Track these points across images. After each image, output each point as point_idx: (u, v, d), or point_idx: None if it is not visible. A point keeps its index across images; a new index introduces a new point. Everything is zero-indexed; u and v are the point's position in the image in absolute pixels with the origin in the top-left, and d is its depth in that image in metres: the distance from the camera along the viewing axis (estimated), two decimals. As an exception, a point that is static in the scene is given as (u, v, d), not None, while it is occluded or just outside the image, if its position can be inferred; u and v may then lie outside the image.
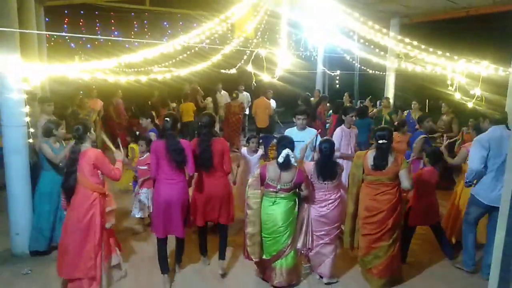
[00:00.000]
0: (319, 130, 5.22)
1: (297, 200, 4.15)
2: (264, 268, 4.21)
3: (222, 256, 4.40)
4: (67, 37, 11.99)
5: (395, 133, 5.81)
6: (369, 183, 4.08)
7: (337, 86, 13.10)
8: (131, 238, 5.23)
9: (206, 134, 4.22)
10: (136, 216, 5.35)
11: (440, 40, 7.71)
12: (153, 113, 6.39)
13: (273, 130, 10.76)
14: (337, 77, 12.81)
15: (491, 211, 4.30)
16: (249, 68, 6.69)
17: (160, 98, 10.15)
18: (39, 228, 4.59)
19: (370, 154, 4.08)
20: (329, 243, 4.14)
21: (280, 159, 3.86)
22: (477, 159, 4.26)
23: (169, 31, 13.03)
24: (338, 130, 5.69)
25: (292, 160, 3.88)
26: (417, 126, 6.39)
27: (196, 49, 7.90)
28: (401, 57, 6.25)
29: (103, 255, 3.90)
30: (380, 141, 3.97)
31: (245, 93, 11.63)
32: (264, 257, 4.08)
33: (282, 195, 3.96)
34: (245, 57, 8.07)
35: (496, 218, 3.16)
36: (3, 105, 4.40)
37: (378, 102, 10.36)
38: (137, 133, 6.47)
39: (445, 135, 7.54)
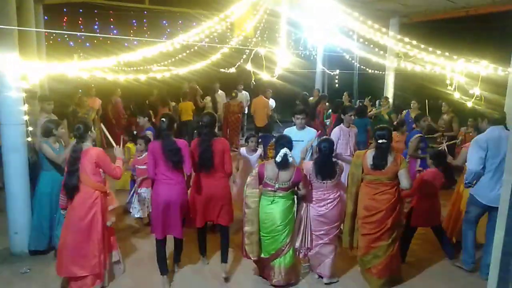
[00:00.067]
0: (319, 132, 5.21)
1: (295, 199, 4.15)
2: (263, 267, 4.21)
3: (224, 259, 4.31)
4: (66, 36, 11.96)
5: (394, 133, 5.81)
6: (368, 182, 4.08)
7: (337, 85, 13.10)
8: (130, 237, 5.23)
9: (207, 134, 4.18)
10: (136, 216, 5.35)
11: (439, 39, 7.71)
12: (151, 112, 6.38)
13: (272, 129, 10.75)
14: (337, 76, 12.81)
15: (490, 211, 4.31)
16: (249, 66, 6.69)
17: (159, 97, 10.13)
18: (39, 228, 4.58)
19: (370, 153, 4.08)
20: (329, 243, 4.14)
21: (278, 158, 3.87)
22: (475, 160, 4.28)
23: (168, 30, 13.01)
24: (336, 129, 5.70)
25: (290, 159, 3.89)
26: (414, 125, 6.40)
27: (196, 48, 7.89)
28: (401, 56, 6.24)
29: (106, 252, 4.00)
30: (380, 141, 3.97)
31: (244, 92, 11.62)
32: (262, 255, 4.08)
33: (281, 194, 3.96)
34: (244, 56, 8.07)
35: (495, 218, 3.16)
36: (1, 103, 4.38)
37: (377, 102, 10.36)
38: (135, 132, 6.45)
39: (445, 134, 7.58)
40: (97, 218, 3.86)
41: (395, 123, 7.28)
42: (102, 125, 4.95)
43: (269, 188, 3.98)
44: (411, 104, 8.48)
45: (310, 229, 4.13)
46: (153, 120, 6.21)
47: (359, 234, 4.16)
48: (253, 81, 7.24)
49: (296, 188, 4.06)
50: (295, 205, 4.16)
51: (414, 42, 5.31)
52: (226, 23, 5.60)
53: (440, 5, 8.26)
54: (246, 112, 11.62)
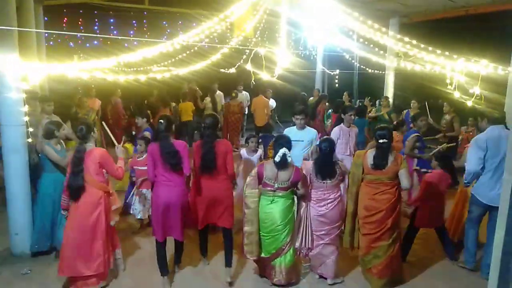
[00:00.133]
0: (320, 134, 5.23)
1: (295, 198, 4.16)
2: (263, 267, 4.22)
3: (228, 264, 4.25)
4: (66, 37, 11.97)
5: (394, 133, 5.81)
6: (368, 182, 4.08)
7: (337, 85, 13.10)
8: (130, 237, 5.23)
9: (210, 135, 4.15)
10: (137, 217, 5.35)
11: (439, 39, 7.71)
12: (149, 113, 6.38)
13: (272, 130, 10.76)
14: (337, 76, 12.81)
15: (491, 210, 4.31)
16: (248, 67, 6.69)
17: (159, 98, 10.13)
18: (41, 229, 4.58)
19: (370, 153, 4.08)
20: (330, 244, 4.13)
21: (277, 158, 3.87)
22: (474, 160, 4.29)
23: (168, 30, 13.01)
24: (336, 128, 5.71)
25: (289, 159, 3.89)
26: (411, 125, 6.40)
27: (196, 48, 7.88)
28: (400, 56, 6.24)
29: (110, 252, 4.08)
30: (381, 141, 3.97)
31: (244, 92, 11.61)
32: (263, 255, 4.08)
33: (280, 194, 3.97)
34: (244, 56, 8.07)
35: (495, 218, 3.17)
36: (2, 104, 4.39)
37: (377, 102, 10.36)
38: (133, 133, 6.45)
39: (447, 135, 7.54)
40: (101, 217, 3.92)
41: (395, 122, 7.27)
42: (104, 125, 4.97)
43: (269, 188, 3.98)
44: (411, 104, 8.48)
45: (310, 229, 4.12)
46: (151, 121, 6.21)
47: (360, 234, 4.16)
48: (253, 81, 7.24)
49: (295, 188, 4.06)
50: (295, 205, 4.16)
51: (414, 42, 5.31)
52: (226, 23, 5.60)
53: (439, 5, 8.25)
54: (246, 112, 11.62)
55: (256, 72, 7.00)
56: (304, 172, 4.14)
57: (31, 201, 4.68)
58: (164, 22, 13.17)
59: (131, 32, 12.67)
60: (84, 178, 3.85)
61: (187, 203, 4.13)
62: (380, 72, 10.60)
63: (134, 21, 12.85)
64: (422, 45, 5.24)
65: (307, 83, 13.36)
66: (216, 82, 11.17)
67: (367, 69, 11.16)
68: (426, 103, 8.25)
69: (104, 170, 4.01)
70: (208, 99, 10.69)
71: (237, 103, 10.25)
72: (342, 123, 5.77)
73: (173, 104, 9.93)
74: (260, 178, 4.00)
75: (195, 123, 10.13)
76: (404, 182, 3.94)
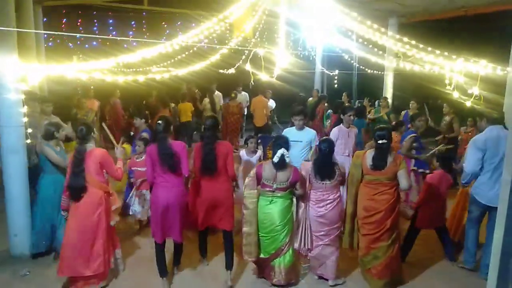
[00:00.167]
0: (319, 134, 5.24)
1: (293, 198, 4.16)
2: (263, 267, 4.21)
3: (229, 267, 4.19)
4: (65, 37, 11.97)
5: (393, 133, 5.82)
6: (367, 182, 4.08)
7: (336, 85, 13.11)
8: (129, 238, 5.22)
9: (210, 137, 4.12)
10: (136, 218, 5.34)
11: (438, 39, 7.73)
12: (147, 113, 6.37)
13: (272, 130, 10.76)
14: (336, 77, 12.81)
15: (490, 210, 4.32)
16: (247, 67, 6.69)
17: (159, 98, 10.12)
18: (41, 231, 4.57)
19: (369, 153, 4.08)
20: (329, 244, 4.12)
21: (275, 159, 3.88)
22: (473, 161, 4.31)
23: (167, 31, 13.02)
24: (335, 129, 5.73)
25: (287, 159, 3.90)
26: (409, 125, 6.41)
27: (195, 49, 7.88)
28: (399, 56, 6.24)
29: (110, 251, 4.11)
30: (380, 141, 3.96)
31: (243, 93, 11.61)
32: (262, 256, 4.08)
33: (279, 194, 3.97)
34: (243, 57, 8.07)
35: (494, 218, 3.16)
36: (1, 105, 4.38)
37: (376, 102, 10.37)
38: (132, 133, 6.45)
39: (446, 136, 7.50)
40: (102, 217, 3.96)
41: (393, 123, 7.27)
42: (105, 126, 4.97)
43: (267, 189, 3.99)
44: (410, 105, 8.47)
45: (310, 230, 4.12)
46: (150, 121, 6.20)
47: (360, 235, 4.16)
48: (252, 81, 7.24)
49: (294, 188, 4.07)
50: (294, 205, 4.16)
51: (413, 42, 5.31)
52: (225, 24, 5.60)
53: (438, 5, 8.26)
54: (245, 113, 11.62)
55: (255, 73, 7.00)
56: (303, 172, 4.13)
57: (30, 202, 4.67)
58: (163, 23, 13.17)
59: (130, 32, 12.68)
60: (85, 179, 3.87)
61: (186, 204, 4.12)
62: (379, 72, 10.61)
63: (133, 22, 12.86)
64: (421, 45, 5.25)
65: (306, 84, 13.36)
66: (214, 82, 11.15)
67: (366, 69, 11.16)
68: (426, 105, 8.25)
69: (104, 171, 4.03)
70: (206, 100, 10.68)
71: (236, 103, 10.25)
72: (341, 124, 5.77)
73: (173, 104, 9.92)
74: (258, 178, 4.00)
75: (194, 123, 10.13)
76: (403, 182, 3.94)
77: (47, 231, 4.58)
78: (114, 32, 12.35)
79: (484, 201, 4.31)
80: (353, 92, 12.31)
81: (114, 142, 4.36)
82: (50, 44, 11.59)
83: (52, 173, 4.51)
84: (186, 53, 8.40)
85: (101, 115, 9.55)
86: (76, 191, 3.88)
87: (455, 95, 5.02)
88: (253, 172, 4.05)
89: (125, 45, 10.59)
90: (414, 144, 5.83)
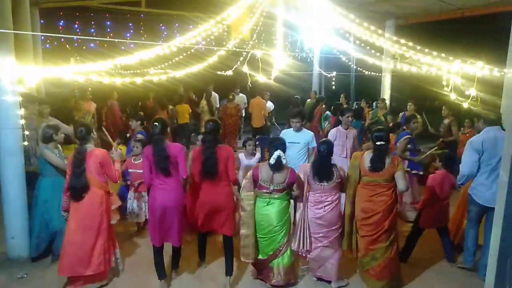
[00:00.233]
0: (318, 136, 5.26)
1: (290, 199, 4.17)
2: (261, 269, 4.21)
3: (229, 272, 4.15)
4: (62, 39, 11.95)
5: (390, 135, 5.83)
6: (365, 184, 4.08)
7: (333, 87, 13.13)
8: (127, 240, 5.21)
9: (211, 141, 4.06)
10: (134, 220, 5.33)
11: (435, 40, 7.73)
12: (143, 114, 6.37)
13: (270, 132, 10.77)
14: (333, 78, 12.83)
15: (487, 211, 4.33)
16: (245, 69, 6.70)
17: (156, 100, 10.12)
18: (40, 235, 4.54)
19: (367, 155, 4.09)
20: (328, 246, 4.11)
21: (272, 161, 3.88)
22: (469, 163, 4.33)
23: (165, 33, 13.01)
24: (333, 130, 5.75)
25: (284, 161, 3.90)
26: (404, 127, 6.41)
27: (192, 50, 7.89)
28: (397, 58, 6.27)
29: (111, 250, 4.16)
30: (378, 143, 3.97)
31: (241, 95, 11.62)
32: (260, 257, 4.08)
33: (276, 196, 3.98)
34: (241, 58, 8.08)
35: (492, 218, 3.17)
36: (-2, 107, 4.37)
37: (374, 104, 10.39)
38: (128, 135, 6.44)
39: (445, 140, 7.46)
40: (104, 217, 4.02)
41: (390, 125, 7.28)
42: (105, 130, 4.97)
43: (264, 190, 3.99)
44: (408, 106, 8.48)
45: (308, 231, 4.11)
46: (145, 123, 6.19)
47: (359, 236, 4.16)
48: (249, 83, 7.25)
49: (290, 189, 4.08)
50: (291, 206, 4.17)
51: (410, 44, 5.33)
52: (222, 25, 5.60)
53: (435, 7, 8.28)
54: (243, 115, 11.62)
55: (252, 75, 7.01)
56: (302, 174, 4.13)
57: (28, 205, 4.65)
58: (160, 25, 13.17)
59: (128, 34, 12.67)
60: (86, 178, 3.91)
61: (184, 207, 4.09)
62: (377, 74, 10.64)
63: (130, 24, 12.85)
64: (418, 47, 5.26)
65: (304, 85, 13.38)
66: (211, 84, 11.13)
67: (364, 71, 11.19)
68: (423, 113, 8.22)
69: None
70: (204, 102, 10.67)
71: (234, 105, 10.26)
72: (340, 125, 5.79)
73: (171, 106, 9.92)
74: (255, 180, 3.99)
75: (192, 125, 10.13)
76: (400, 184, 3.95)
77: (46, 234, 4.56)
78: (111, 34, 12.34)
79: (481, 202, 4.33)
80: (351, 93, 12.32)
81: (114, 144, 4.37)
82: (47, 46, 11.58)
83: (52, 176, 4.49)
84: (184, 54, 8.41)
85: (98, 117, 9.53)
86: (78, 191, 3.91)
87: (452, 96, 5.04)
88: (249, 174, 4.04)
89: (122, 47, 10.59)
90: (409, 146, 5.85)
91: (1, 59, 4.15)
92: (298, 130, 5.21)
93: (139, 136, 5.52)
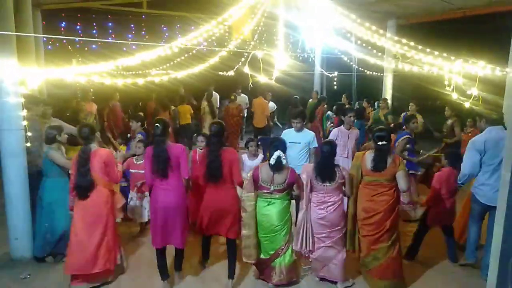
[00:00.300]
0: (320, 135, 5.27)
1: (291, 199, 4.18)
2: (262, 269, 4.21)
3: (231, 275, 4.13)
4: (64, 41, 11.99)
5: (391, 135, 5.83)
6: (367, 184, 4.08)
7: (335, 87, 13.12)
8: (130, 240, 5.22)
9: (216, 143, 4.03)
10: (138, 221, 5.35)
11: (437, 40, 7.72)
12: (143, 115, 6.38)
13: (271, 132, 10.78)
14: (335, 79, 12.83)
15: (490, 209, 4.33)
16: (246, 69, 6.71)
17: (158, 101, 10.13)
18: (45, 235, 4.52)
19: (369, 155, 4.08)
20: (331, 247, 4.10)
21: (272, 161, 3.89)
22: (470, 163, 4.33)
23: (166, 34, 13.03)
24: (335, 130, 5.75)
25: (284, 161, 3.91)
26: (404, 127, 6.40)
27: (194, 51, 7.90)
28: (398, 58, 6.27)
29: (117, 248, 4.22)
30: (380, 143, 3.96)
31: (243, 95, 11.62)
32: (262, 256, 4.09)
33: (277, 196, 3.99)
34: (242, 59, 8.09)
35: (494, 217, 3.17)
36: (0, 108, 4.38)
37: (376, 103, 10.38)
38: (129, 135, 6.47)
39: (448, 142, 7.40)
40: (110, 215, 4.08)
41: (392, 125, 7.26)
42: (109, 135, 4.99)
43: (265, 191, 4.00)
44: (409, 107, 8.46)
45: (311, 232, 4.10)
46: (145, 123, 6.21)
47: (360, 236, 4.16)
48: (250, 83, 7.26)
49: (291, 189, 4.10)
50: (291, 205, 4.18)
51: (412, 44, 5.33)
52: (224, 26, 5.61)
53: (437, 7, 8.28)
54: (245, 115, 11.63)
55: (253, 75, 7.02)
56: (304, 175, 4.12)
57: (31, 206, 4.65)
58: (162, 26, 13.19)
59: (130, 36, 12.70)
60: (93, 178, 3.97)
61: (186, 208, 4.08)
62: (378, 74, 10.63)
63: (132, 25, 12.88)
64: (420, 47, 5.26)
65: (306, 86, 13.38)
66: (212, 84, 11.13)
67: (365, 71, 11.18)
68: (423, 118, 8.16)
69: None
70: (205, 103, 10.67)
71: (236, 105, 10.26)
72: (342, 125, 5.79)
73: (173, 107, 9.93)
74: (255, 181, 4.00)
75: (194, 126, 10.13)
76: (402, 184, 3.95)
77: (52, 235, 4.53)
78: (113, 36, 12.37)
79: (484, 201, 4.34)
80: (352, 93, 12.33)
81: (117, 146, 4.39)
82: (49, 47, 11.61)
83: (56, 176, 4.50)
84: (186, 55, 8.42)
85: (100, 118, 9.55)
86: (84, 190, 3.96)
87: (454, 96, 5.03)
88: (249, 174, 4.05)
89: (124, 48, 10.61)
90: (407, 146, 5.85)
91: (3, 60, 4.17)
92: (299, 130, 5.22)
93: (139, 136, 5.55)
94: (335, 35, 7.51)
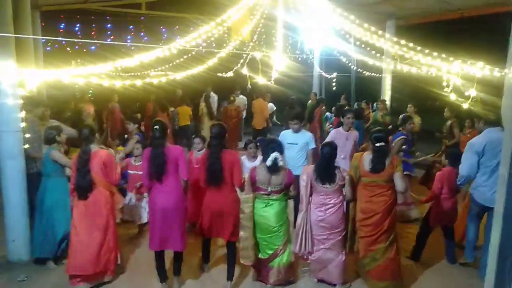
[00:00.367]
0: (317, 136, 5.27)
1: (288, 199, 4.18)
2: (260, 269, 4.21)
3: (230, 277, 4.10)
4: (63, 42, 11.99)
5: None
6: (364, 185, 4.07)
7: (334, 88, 13.14)
8: (129, 242, 5.21)
9: (216, 145, 3.99)
10: (138, 222, 5.34)
11: (435, 41, 7.74)
12: (139, 116, 6.39)
13: (270, 133, 10.77)
14: (334, 80, 12.84)
15: (488, 210, 4.34)
16: (244, 70, 6.71)
17: (156, 103, 10.12)
18: (46, 236, 4.45)
19: (366, 156, 4.08)
20: (331, 249, 4.08)
21: (269, 163, 3.89)
22: (468, 164, 4.34)
23: (165, 36, 13.04)
24: (332, 131, 5.76)
25: (280, 163, 3.91)
26: (400, 128, 6.40)
27: (193, 53, 7.90)
28: (396, 59, 6.27)
29: (117, 248, 4.25)
30: (378, 144, 3.95)
31: (241, 96, 11.62)
32: (261, 256, 4.10)
33: (274, 197, 3.99)
34: (241, 60, 8.09)
35: (492, 218, 3.17)
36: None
37: (375, 105, 10.39)
38: (126, 136, 6.48)
39: (448, 145, 7.39)
40: (110, 216, 4.11)
41: (390, 127, 7.25)
42: (111, 142, 4.99)
43: (262, 192, 3.99)
44: (408, 108, 8.46)
45: (310, 233, 4.10)
46: (142, 124, 6.23)
47: (358, 237, 4.16)
48: (249, 85, 7.27)
49: (288, 190, 4.10)
50: (288, 206, 4.18)
51: (410, 44, 5.33)
52: (223, 27, 5.61)
53: (435, 8, 8.30)
54: (244, 116, 11.62)
55: (252, 76, 7.02)
56: (304, 176, 4.11)
57: (29, 208, 4.64)
58: (161, 27, 13.19)
59: (129, 37, 12.69)
60: (93, 179, 3.99)
61: (185, 210, 4.06)
62: (377, 75, 10.64)
63: (131, 26, 12.88)
64: (419, 48, 5.27)
65: (305, 87, 13.40)
66: (210, 85, 11.11)
67: (364, 72, 11.19)
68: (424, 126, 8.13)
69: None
70: (203, 104, 10.67)
71: (235, 107, 10.26)
72: (341, 126, 5.78)
73: (172, 108, 9.92)
74: (253, 182, 4.00)
75: (193, 127, 10.14)
76: (399, 185, 3.94)
77: (53, 237, 4.46)
78: (112, 37, 12.37)
79: (481, 201, 4.34)
80: (351, 94, 12.33)
81: (114, 147, 4.39)
82: (48, 49, 11.60)
83: (57, 176, 4.47)
84: (185, 57, 8.41)
85: (98, 119, 9.53)
86: (84, 190, 3.99)
87: (452, 97, 5.04)
88: (247, 176, 4.04)
89: (123, 49, 10.60)
90: (403, 147, 5.85)
91: (2, 62, 4.16)
92: (296, 131, 5.22)
93: (136, 137, 5.57)
94: (333, 36, 7.52)
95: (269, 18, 6.79)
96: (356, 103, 11.70)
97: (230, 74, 9.55)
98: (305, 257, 4.21)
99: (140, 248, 5.07)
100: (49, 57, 9.78)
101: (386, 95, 10.23)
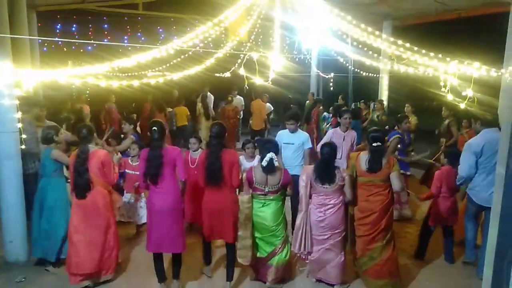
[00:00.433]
0: (315, 137, 5.29)
1: (285, 199, 4.21)
2: (258, 268, 4.22)
3: (230, 278, 4.11)
4: (60, 42, 11.94)
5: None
6: (361, 184, 4.09)
7: (331, 88, 13.15)
8: (127, 243, 5.19)
9: (216, 145, 3.98)
10: (138, 223, 5.34)
11: (432, 41, 7.75)
12: (134, 116, 6.38)
13: (268, 133, 10.78)
14: (331, 80, 12.86)
15: (484, 210, 4.36)
16: (241, 71, 6.70)
17: (154, 103, 10.11)
18: (47, 237, 4.43)
19: (363, 155, 4.09)
20: (330, 249, 4.09)
21: (264, 163, 3.90)
22: (467, 165, 4.36)
23: (162, 36, 13.02)
24: (329, 131, 5.77)
25: (276, 163, 3.93)
26: (396, 127, 6.42)
27: (190, 53, 7.89)
28: (393, 59, 6.28)
29: (117, 246, 4.28)
30: (375, 144, 3.96)
31: (239, 97, 11.63)
32: (259, 255, 4.12)
33: (271, 197, 4.02)
34: (239, 60, 8.08)
35: (489, 218, 3.18)
36: (-5, 111, 4.36)
37: (372, 104, 10.41)
38: (122, 136, 6.47)
39: (447, 144, 7.41)
40: (110, 215, 4.16)
41: (386, 127, 7.27)
42: (105, 145, 5.00)
43: (259, 192, 4.01)
44: (405, 108, 8.48)
45: (310, 234, 4.10)
46: (137, 124, 6.23)
47: (355, 236, 4.17)
48: (246, 85, 7.26)
49: (285, 190, 4.13)
50: (284, 206, 4.20)
51: (407, 45, 5.34)
52: (220, 28, 5.60)
53: (432, 8, 8.33)
54: (241, 117, 11.62)
55: (249, 77, 7.01)
56: (304, 177, 4.11)
57: (27, 208, 4.63)
58: (158, 28, 13.17)
59: (125, 37, 12.67)
60: (91, 178, 4.01)
61: (182, 211, 4.05)
62: (374, 75, 10.66)
63: (128, 27, 12.85)
64: (415, 48, 5.27)
65: (302, 87, 13.40)
66: (207, 86, 11.09)
67: (361, 72, 11.21)
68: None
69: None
70: (199, 104, 10.66)
71: (232, 107, 10.27)
72: (339, 127, 5.78)
73: (169, 109, 9.91)
74: (250, 183, 4.02)
75: (190, 127, 10.13)
76: (395, 184, 3.96)
77: (53, 237, 4.42)
78: (109, 37, 12.33)
79: (479, 201, 4.37)
80: (349, 94, 12.35)
81: (115, 149, 4.40)
82: (44, 49, 11.54)
83: (57, 176, 4.47)
84: (182, 57, 8.40)
85: (95, 120, 9.50)
86: (82, 190, 4.00)
87: (449, 97, 5.04)
88: (244, 176, 4.04)
89: (119, 50, 10.58)
90: (398, 146, 5.87)
91: (-2, 62, 4.15)
92: (293, 131, 5.23)
93: (131, 137, 5.58)
94: (331, 36, 7.52)
95: (266, 19, 6.79)
96: (353, 103, 11.73)
97: (227, 74, 9.53)
98: (304, 257, 4.22)
99: (139, 247, 5.07)
100: (46, 58, 9.74)
101: (383, 95, 10.26)
